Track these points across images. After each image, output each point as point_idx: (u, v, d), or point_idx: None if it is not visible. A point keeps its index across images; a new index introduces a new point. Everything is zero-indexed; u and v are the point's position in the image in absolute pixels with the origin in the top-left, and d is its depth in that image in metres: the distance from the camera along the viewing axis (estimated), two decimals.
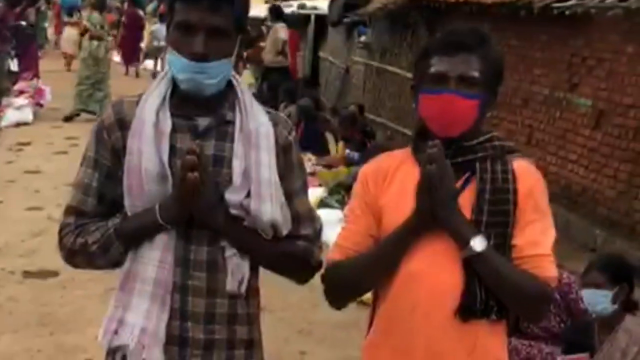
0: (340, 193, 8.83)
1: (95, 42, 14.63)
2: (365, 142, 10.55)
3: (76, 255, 2.51)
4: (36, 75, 16.38)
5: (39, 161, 11.15)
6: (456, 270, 2.41)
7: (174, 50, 2.42)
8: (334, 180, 9.36)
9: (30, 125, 13.96)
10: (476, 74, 2.44)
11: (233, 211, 2.42)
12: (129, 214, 2.46)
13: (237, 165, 2.43)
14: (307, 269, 2.58)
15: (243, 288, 2.46)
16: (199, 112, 2.46)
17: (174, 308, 2.43)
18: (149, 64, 22.65)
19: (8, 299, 6.32)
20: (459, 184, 2.46)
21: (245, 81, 16.17)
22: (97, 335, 2.52)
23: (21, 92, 15.08)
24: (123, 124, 2.47)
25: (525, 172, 2.50)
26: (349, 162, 10.14)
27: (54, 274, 6.66)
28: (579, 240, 8.06)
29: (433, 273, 2.42)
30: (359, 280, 2.53)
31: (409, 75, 12.60)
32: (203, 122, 2.46)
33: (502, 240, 2.42)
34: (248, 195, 2.42)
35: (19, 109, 14.18)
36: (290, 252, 2.52)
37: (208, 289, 2.44)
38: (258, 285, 2.59)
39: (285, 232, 2.49)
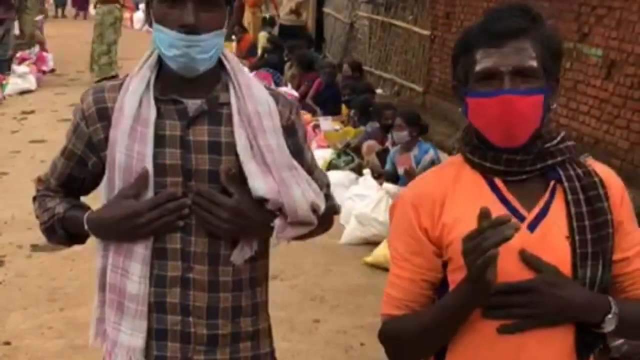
0: (348, 154, 8.72)
1: (112, 6, 14.66)
2: (367, 101, 10.25)
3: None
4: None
5: (44, 130, 11.05)
6: None
7: (159, 25, 2.23)
8: (342, 141, 9.23)
9: (33, 92, 13.86)
10: (533, 62, 2.00)
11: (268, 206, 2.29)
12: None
13: (243, 154, 2.26)
14: (332, 223, 2.58)
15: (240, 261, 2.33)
16: (188, 94, 2.28)
17: (173, 303, 2.31)
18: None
19: (17, 275, 6.28)
20: (546, 195, 2.09)
21: (261, 43, 16.25)
22: None
23: (23, 59, 14.98)
24: (104, 114, 2.31)
25: (610, 176, 2.16)
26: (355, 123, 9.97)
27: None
28: None
29: None
30: (429, 342, 2.13)
31: (416, 29, 12.43)
32: (193, 105, 2.27)
33: (602, 255, 2.07)
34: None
35: (21, 76, 14.09)
36: (324, 215, 2.43)
37: (210, 282, 2.31)
38: (268, 271, 2.47)
39: (322, 207, 2.38)
